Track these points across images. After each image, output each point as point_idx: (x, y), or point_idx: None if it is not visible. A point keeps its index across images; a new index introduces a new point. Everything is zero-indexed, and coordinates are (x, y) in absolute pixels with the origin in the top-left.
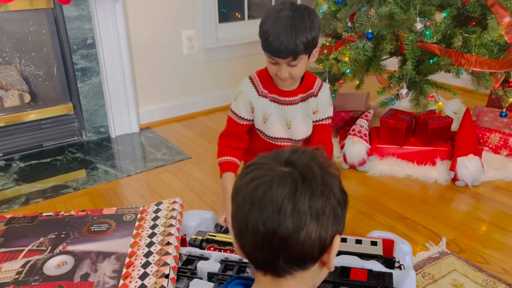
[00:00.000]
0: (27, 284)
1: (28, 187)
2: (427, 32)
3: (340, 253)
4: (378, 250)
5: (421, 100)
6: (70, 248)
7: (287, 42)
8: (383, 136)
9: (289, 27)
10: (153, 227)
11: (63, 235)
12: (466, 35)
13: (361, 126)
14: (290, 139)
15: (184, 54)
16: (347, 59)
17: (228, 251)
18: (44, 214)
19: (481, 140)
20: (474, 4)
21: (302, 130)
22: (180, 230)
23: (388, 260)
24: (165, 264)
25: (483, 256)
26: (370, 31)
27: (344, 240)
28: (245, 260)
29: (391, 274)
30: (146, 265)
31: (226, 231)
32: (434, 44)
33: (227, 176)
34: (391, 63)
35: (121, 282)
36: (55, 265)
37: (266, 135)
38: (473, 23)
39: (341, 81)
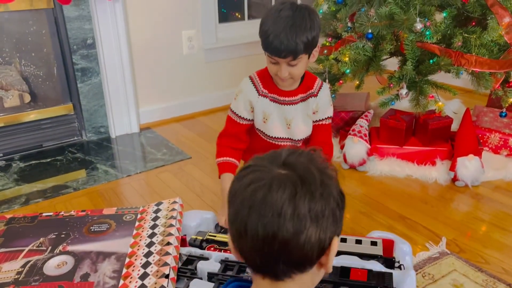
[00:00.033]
0: (27, 284)
1: (28, 187)
2: (427, 32)
3: (340, 253)
4: (378, 250)
5: (421, 100)
6: (70, 248)
7: (287, 41)
8: (383, 136)
9: (289, 26)
10: (153, 227)
11: (63, 235)
12: (466, 35)
13: (361, 126)
14: (290, 139)
15: (184, 54)
16: (347, 59)
17: (228, 251)
18: (44, 214)
19: (481, 140)
20: (474, 4)
21: (302, 130)
22: (180, 230)
23: (388, 260)
24: (165, 264)
25: (483, 256)
26: (370, 31)
27: (344, 240)
28: None
29: (391, 274)
30: (146, 265)
31: (226, 232)
32: (434, 44)
33: (226, 177)
34: (391, 63)
35: (121, 282)
36: (55, 265)
37: (266, 135)
38: (473, 23)
39: (341, 81)
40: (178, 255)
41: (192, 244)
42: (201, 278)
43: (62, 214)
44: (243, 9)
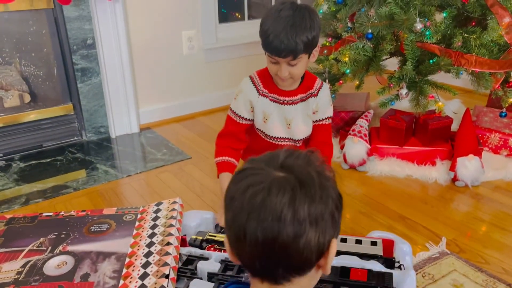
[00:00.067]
0: (27, 284)
1: (28, 187)
2: (427, 33)
3: (340, 253)
4: (378, 250)
5: (421, 100)
6: (70, 248)
7: (287, 41)
8: (383, 136)
9: (289, 26)
10: (153, 227)
11: (63, 235)
12: (466, 35)
13: (361, 126)
14: (290, 138)
15: (184, 54)
16: (347, 59)
17: None
18: (44, 214)
19: (481, 140)
20: (474, 4)
21: (302, 130)
22: (180, 230)
23: (388, 260)
24: (165, 264)
25: (483, 256)
26: (370, 31)
27: (344, 240)
28: None
29: (391, 274)
30: (146, 265)
31: None
32: (434, 44)
33: (224, 177)
34: (391, 63)
35: (121, 282)
36: (55, 265)
37: (266, 134)
38: (473, 24)
39: (341, 81)
40: (178, 255)
41: (192, 244)
42: (201, 278)
43: (62, 214)
44: (243, 9)
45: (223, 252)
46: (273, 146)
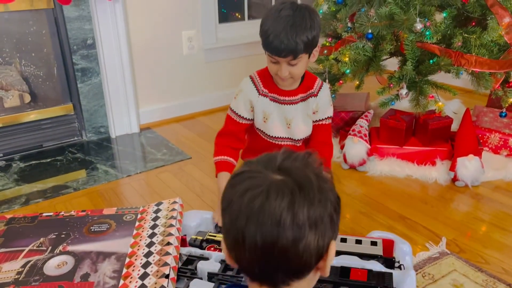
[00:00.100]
0: (27, 284)
1: (28, 187)
2: (427, 33)
3: (340, 253)
4: (378, 250)
5: (421, 100)
6: (70, 248)
7: (287, 41)
8: (383, 136)
9: (289, 26)
10: (153, 227)
11: (63, 235)
12: (466, 35)
13: (361, 126)
14: (290, 138)
15: (184, 54)
16: (347, 59)
17: None
18: (44, 214)
19: (481, 140)
20: (474, 4)
21: (302, 130)
22: (180, 230)
23: (388, 260)
24: (165, 264)
25: (483, 256)
26: (370, 31)
27: (344, 240)
28: None
29: (391, 274)
30: (146, 265)
31: None
32: (434, 44)
33: (223, 176)
34: (391, 63)
35: (121, 282)
36: (55, 265)
37: (266, 134)
38: (473, 24)
39: (341, 81)
40: (178, 255)
41: (192, 244)
42: (201, 278)
43: (62, 214)
44: (243, 9)
45: None
46: (273, 146)
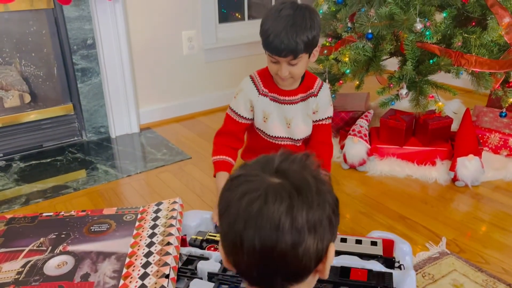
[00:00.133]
0: (28, 284)
1: (28, 187)
2: (427, 33)
3: (340, 253)
4: (378, 250)
5: (421, 100)
6: (70, 248)
7: (288, 40)
8: (383, 136)
9: (289, 26)
10: (153, 227)
11: (63, 235)
12: (466, 35)
13: (361, 126)
14: (290, 138)
15: (184, 54)
16: (347, 59)
17: None
18: (44, 214)
19: (481, 140)
20: (474, 4)
21: (301, 130)
22: (180, 230)
23: (388, 260)
24: (165, 264)
25: (483, 256)
26: (370, 31)
27: (344, 240)
28: None
29: (391, 274)
30: (146, 265)
31: None
32: (434, 44)
33: (221, 176)
34: (391, 63)
35: (121, 282)
36: (56, 265)
37: (266, 134)
38: (473, 24)
39: (341, 81)
40: (178, 255)
41: (192, 244)
42: (201, 278)
43: (62, 214)
44: (243, 9)
45: None
46: (273, 145)
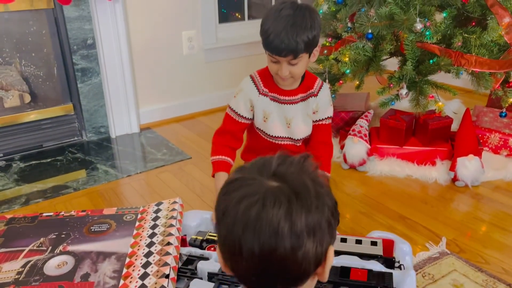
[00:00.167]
0: (28, 284)
1: (28, 187)
2: (427, 33)
3: (340, 253)
4: (378, 250)
5: (421, 100)
6: (70, 248)
7: (288, 40)
8: (383, 136)
9: (290, 25)
10: (154, 227)
11: (63, 235)
12: (466, 35)
13: (361, 126)
14: (290, 138)
15: (184, 54)
16: (347, 59)
17: None
18: (44, 214)
19: (481, 140)
20: (474, 4)
21: (301, 130)
22: (180, 230)
23: (388, 260)
24: (166, 264)
25: (483, 256)
26: (370, 31)
27: (344, 240)
28: None
29: (391, 274)
30: (146, 265)
31: None
32: (434, 44)
33: (220, 176)
34: (391, 63)
35: (122, 282)
36: (56, 265)
37: (266, 134)
38: (473, 24)
39: (341, 81)
40: (178, 255)
41: (192, 244)
42: (201, 278)
43: (63, 214)
44: (243, 9)
45: None
46: (273, 145)
